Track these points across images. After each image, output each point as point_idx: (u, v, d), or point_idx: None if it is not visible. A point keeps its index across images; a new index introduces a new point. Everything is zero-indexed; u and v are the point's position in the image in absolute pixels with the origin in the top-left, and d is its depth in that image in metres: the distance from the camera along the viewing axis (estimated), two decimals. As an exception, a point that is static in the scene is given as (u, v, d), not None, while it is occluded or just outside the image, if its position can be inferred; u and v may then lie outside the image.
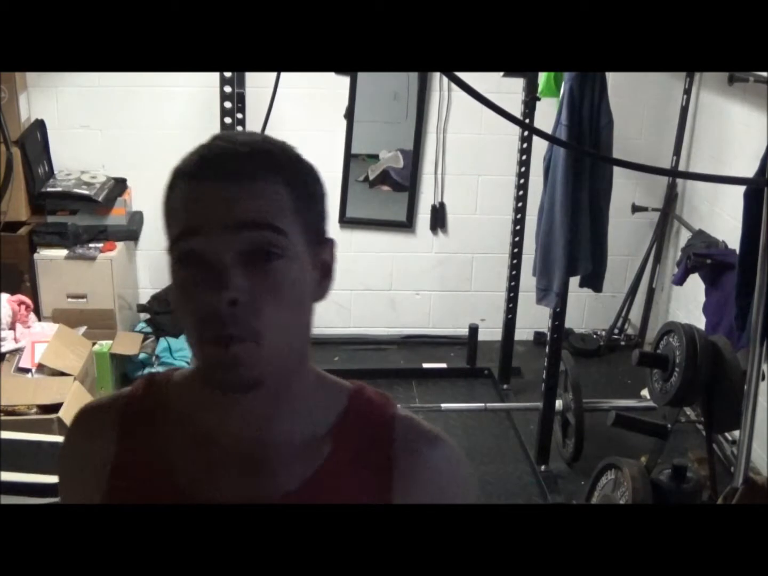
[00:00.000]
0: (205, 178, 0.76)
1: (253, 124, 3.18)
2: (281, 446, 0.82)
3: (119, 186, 3.82)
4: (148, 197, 3.89)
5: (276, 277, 0.76)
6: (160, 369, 3.73)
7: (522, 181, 3.53)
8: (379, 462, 0.83)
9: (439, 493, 0.83)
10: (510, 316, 3.78)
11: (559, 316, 3.06)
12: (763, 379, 1.90)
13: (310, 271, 0.81)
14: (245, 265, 0.75)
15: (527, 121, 3.29)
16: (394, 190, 4.06)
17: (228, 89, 2.96)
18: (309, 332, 0.84)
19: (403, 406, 0.90)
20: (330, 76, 3.67)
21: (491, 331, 4.05)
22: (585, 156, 2.80)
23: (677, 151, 3.93)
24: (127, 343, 3.69)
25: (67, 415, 2.91)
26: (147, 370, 3.75)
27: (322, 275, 0.84)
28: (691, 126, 3.91)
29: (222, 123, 3.00)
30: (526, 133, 3.44)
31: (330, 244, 0.85)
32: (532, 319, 3.97)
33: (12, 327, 3.34)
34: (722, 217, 3.54)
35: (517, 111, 3.32)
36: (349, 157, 3.92)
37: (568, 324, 3.29)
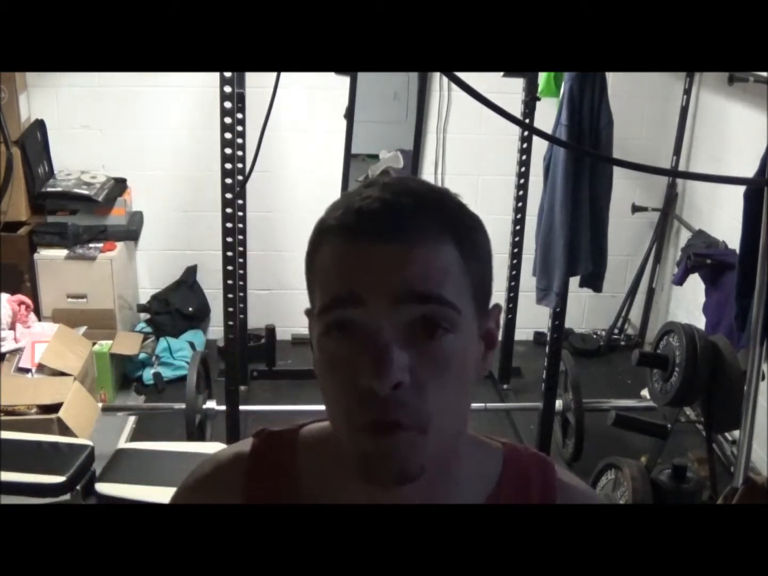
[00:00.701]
0: (365, 236, 0.66)
1: (253, 124, 3.18)
2: None
3: (119, 186, 3.82)
4: (148, 197, 3.90)
5: (443, 354, 0.67)
6: (161, 369, 3.76)
7: (522, 181, 3.53)
8: None
9: None
10: (510, 316, 3.78)
11: (559, 316, 3.06)
12: (763, 379, 1.90)
13: (476, 343, 0.72)
14: (409, 341, 0.65)
15: (527, 121, 3.29)
16: (394, 190, 4.06)
17: (228, 89, 2.95)
18: (469, 410, 0.76)
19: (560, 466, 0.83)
20: (330, 76, 3.67)
21: (491, 331, 4.05)
22: (585, 156, 2.80)
23: (677, 151, 3.93)
24: (127, 343, 3.69)
25: (67, 415, 2.91)
26: (147, 370, 3.75)
27: (487, 347, 0.73)
28: (691, 126, 3.91)
29: (222, 123, 3.00)
30: (526, 133, 3.44)
31: (496, 310, 0.74)
32: (532, 319, 3.98)
33: (12, 327, 3.34)
34: (722, 217, 3.54)
35: (517, 111, 3.32)
36: (349, 157, 3.92)
37: (568, 324, 3.30)
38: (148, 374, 3.75)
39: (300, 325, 4.12)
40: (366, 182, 0.71)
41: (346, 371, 0.66)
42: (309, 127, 3.88)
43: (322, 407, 0.71)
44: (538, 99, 3.27)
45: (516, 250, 3.65)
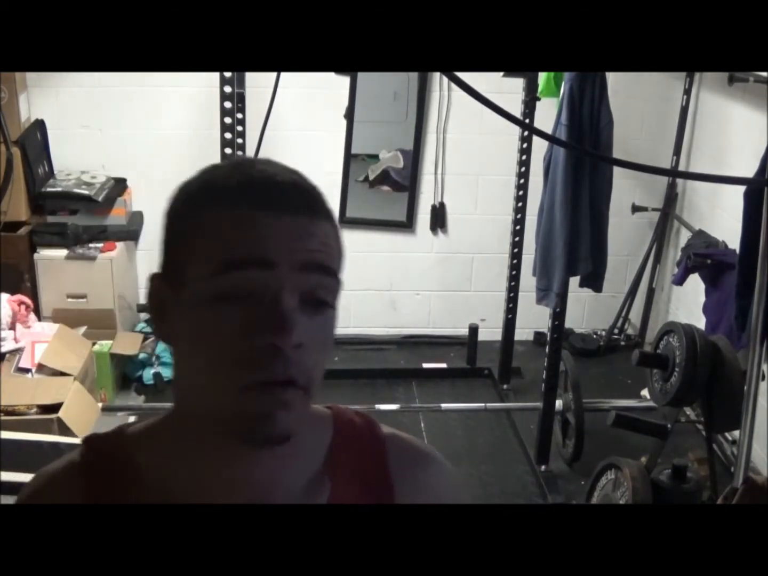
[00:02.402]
0: (274, 206, 0.69)
1: (253, 124, 3.18)
2: (287, 494, 0.77)
3: (119, 186, 3.82)
4: (148, 197, 3.89)
5: (328, 323, 0.73)
6: (161, 369, 3.76)
7: (522, 181, 3.53)
8: (380, 491, 0.80)
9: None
10: (510, 316, 3.78)
11: (559, 316, 3.06)
12: (763, 379, 1.90)
13: None
14: (303, 306, 0.70)
15: (527, 121, 3.29)
16: (394, 190, 4.06)
17: (228, 89, 2.96)
18: None
19: (380, 420, 0.87)
20: (330, 76, 3.67)
21: (491, 331, 4.05)
22: (585, 156, 2.80)
23: (677, 151, 3.93)
24: (127, 343, 3.69)
25: (67, 415, 2.91)
26: (147, 370, 3.75)
27: None
28: (691, 126, 3.91)
29: (222, 123, 3.00)
30: (526, 133, 3.44)
31: None
32: (532, 319, 3.98)
33: (12, 327, 3.34)
34: (722, 217, 3.54)
35: (517, 111, 3.32)
36: (349, 157, 3.93)
37: (568, 324, 3.29)
38: (148, 374, 3.75)
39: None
40: (235, 160, 0.76)
41: (243, 331, 0.68)
42: (309, 127, 3.88)
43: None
44: (538, 99, 3.27)
45: (516, 250, 3.65)
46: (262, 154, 2.79)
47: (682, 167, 3.94)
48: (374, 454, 0.82)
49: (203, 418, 0.73)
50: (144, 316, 4.01)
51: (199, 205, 0.72)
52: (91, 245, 3.68)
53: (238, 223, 0.69)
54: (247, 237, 0.69)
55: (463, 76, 1.40)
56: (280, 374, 0.68)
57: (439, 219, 4.08)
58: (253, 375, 0.68)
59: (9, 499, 2.27)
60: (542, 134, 2.16)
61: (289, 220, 0.69)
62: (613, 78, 3.22)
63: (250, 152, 3.21)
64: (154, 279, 0.76)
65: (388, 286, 4.18)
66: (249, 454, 0.74)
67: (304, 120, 3.86)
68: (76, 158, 3.86)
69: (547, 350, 3.14)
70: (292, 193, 0.71)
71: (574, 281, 2.98)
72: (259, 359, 0.68)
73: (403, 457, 0.83)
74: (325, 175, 3.91)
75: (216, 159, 3.07)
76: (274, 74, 3.09)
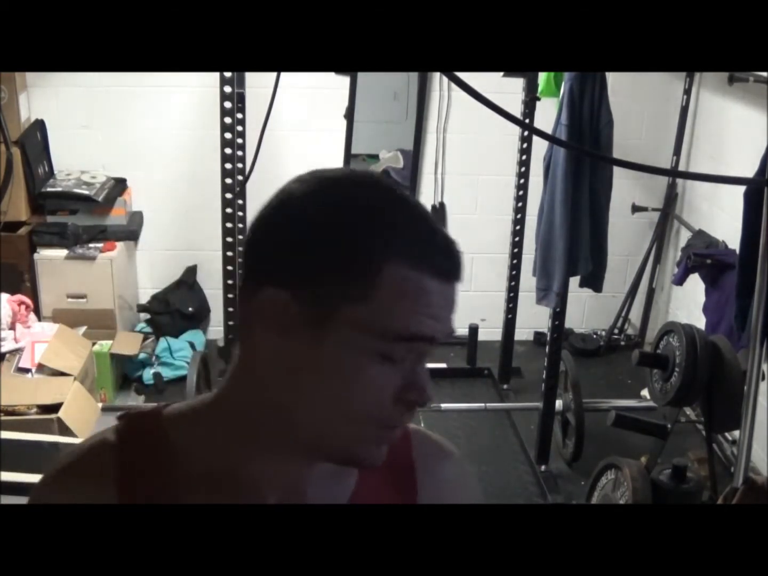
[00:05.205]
0: (449, 277, 0.70)
1: (253, 124, 3.18)
2: (318, 478, 0.78)
3: (119, 186, 3.82)
4: (148, 197, 3.89)
5: None
6: (161, 369, 3.76)
7: (522, 181, 3.53)
8: (404, 481, 0.83)
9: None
10: (510, 316, 3.78)
11: (559, 316, 3.06)
12: (763, 379, 1.90)
13: None
14: None
15: (527, 121, 3.29)
16: (394, 190, 4.06)
17: (228, 89, 2.96)
18: None
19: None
20: (330, 76, 3.67)
21: (491, 331, 4.05)
22: (585, 156, 2.80)
23: (677, 151, 3.93)
24: (127, 343, 3.69)
25: (67, 415, 2.91)
26: (147, 370, 3.75)
27: None
28: (691, 126, 3.91)
29: (222, 123, 3.00)
30: (526, 133, 3.44)
31: None
32: (532, 319, 3.98)
33: (12, 327, 3.34)
34: (722, 217, 3.54)
35: (517, 111, 3.32)
36: (349, 157, 3.92)
37: (568, 324, 3.30)
38: (148, 374, 3.75)
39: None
40: (418, 207, 0.72)
41: (391, 383, 0.70)
42: (309, 127, 3.88)
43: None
44: (538, 99, 3.27)
45: (516, 250, 3.65)
46: (262, 154, 2.78)
47: (682, 167, 3.94)
48: (400, 446, 0.84)
49: (282, 434, 0.74)
50: (144, 316, 4.02)
51: (371, 240, 0.68)
52: (91, 245, 3.68)
53: (419, 292, 0.68)
54: (425, 310, 0.69)
55: (463, 76, 1.40)
56: (403, 422, 0.74)
57: (439, 219, 4.07)
58: (384, 419, 0.72)
59: (9, 499, 2.28)
60: (542, 134, 2.16)
61: (453, 292, 0.71)
62: (613, 78, 3.22)
63: (250, 152, 3.21)
64: (279, 296, 0.68)
65: (388, 286, 4.17)
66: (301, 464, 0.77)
67: (304, 120, 3.86)
68: (76, 158, 3.85)
69: (547, 350, 3.14)
70: (460, 262, 0.71)
71: (574, 281, 2.98)
72: (395, 417, 0.72)
73: (427, 451, 0.87)
74: (325, 175, 3.91)
75: (216, 159, 3.07)
76: (274, 74, 3.09)
